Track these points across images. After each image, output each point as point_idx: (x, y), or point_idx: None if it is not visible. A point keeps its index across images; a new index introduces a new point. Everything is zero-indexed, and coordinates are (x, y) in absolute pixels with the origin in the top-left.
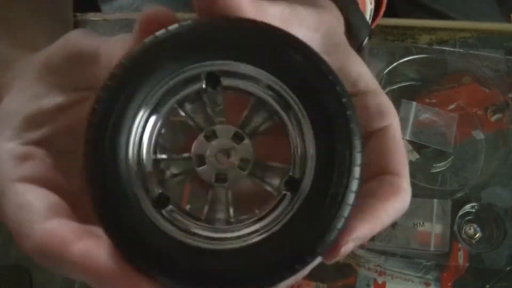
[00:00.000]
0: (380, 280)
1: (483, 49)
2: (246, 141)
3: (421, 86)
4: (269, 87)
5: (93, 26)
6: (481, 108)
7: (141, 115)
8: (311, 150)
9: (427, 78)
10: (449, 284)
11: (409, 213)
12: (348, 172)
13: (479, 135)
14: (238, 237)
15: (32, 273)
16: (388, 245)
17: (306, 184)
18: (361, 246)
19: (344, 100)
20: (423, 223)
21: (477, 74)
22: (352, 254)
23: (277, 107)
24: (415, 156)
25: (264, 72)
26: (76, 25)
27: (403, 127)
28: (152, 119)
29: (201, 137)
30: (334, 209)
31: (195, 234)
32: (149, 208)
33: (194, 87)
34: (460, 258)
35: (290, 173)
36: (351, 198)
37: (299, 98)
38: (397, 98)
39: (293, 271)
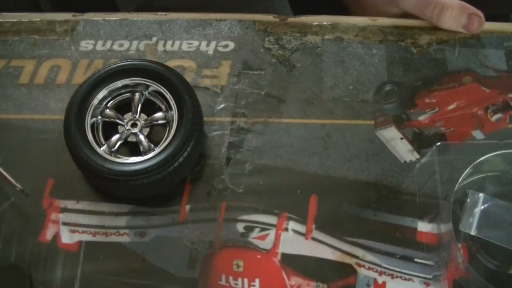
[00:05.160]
0: (380, 280)
1: (483, 49)
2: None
3: (421, 86)
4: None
5: (93, 26)
6: (481, 108)
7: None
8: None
9: (427, 78)
10: (449, 284)
11: (409, 211)
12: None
13: (479, 135)
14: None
15: (32, 273)
16: (386, 244)
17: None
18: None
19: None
20: (422, 220)
21: (477, 74)
22: (352, 254)
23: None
24: (415, 156)
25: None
26: (76, 24)
27: (470, 220)
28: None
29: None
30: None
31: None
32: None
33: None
34: (460, 258)
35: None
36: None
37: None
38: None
39: None
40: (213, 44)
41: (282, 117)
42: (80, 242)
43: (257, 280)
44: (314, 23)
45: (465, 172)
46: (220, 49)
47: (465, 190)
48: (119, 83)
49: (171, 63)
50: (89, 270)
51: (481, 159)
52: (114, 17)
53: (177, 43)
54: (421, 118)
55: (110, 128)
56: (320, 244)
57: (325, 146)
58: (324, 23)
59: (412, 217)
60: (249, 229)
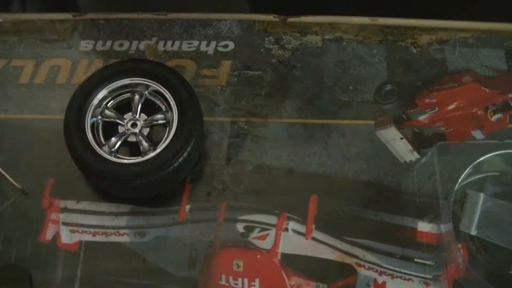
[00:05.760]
0: (380, 280)
1: (483, 49)
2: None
3: (421, 86)
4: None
5: (93, 26)
6: (481, 108)
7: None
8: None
9: (427, 78)
10: (449, 284)
11: (409, 211)
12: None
13: (479, 135)
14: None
15: (32, 273)
16: (386, 244)
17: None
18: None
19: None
20: (422, 220)
21: (477, 74)
22: (352, 254)
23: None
24: (415, 156)
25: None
26: (76, 24)
27: (470, 220)
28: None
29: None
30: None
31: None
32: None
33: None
34: (460, 258)
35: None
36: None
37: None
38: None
39: None
40: (213, 44)
41: (282, 117)
42: (80, 242)
43: (257, 280)
44: (314, 23)
45: (465, 172)
46: (220, 49)
47: (465, 190)
48: (119, 83)
49: (171, 63)
50: (89, 270)
51: (481, 159)
52: (114, 17)
53: (177, 43)
54: (421, 118)
55: (110, 128)
56: (320, 244)
57: (325, 146)
58: (324, 23)
59: (412, 217)
60: (249, 229)
